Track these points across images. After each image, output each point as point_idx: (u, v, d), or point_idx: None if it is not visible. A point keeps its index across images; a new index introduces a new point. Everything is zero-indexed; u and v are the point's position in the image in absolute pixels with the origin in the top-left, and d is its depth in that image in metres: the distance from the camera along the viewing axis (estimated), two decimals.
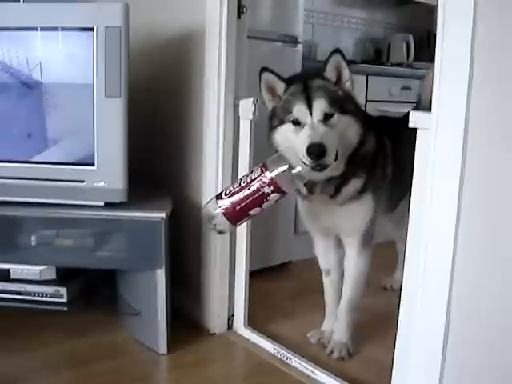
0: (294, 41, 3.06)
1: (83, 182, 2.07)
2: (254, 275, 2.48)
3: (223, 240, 2.30)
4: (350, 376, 2.02)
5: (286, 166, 1.72)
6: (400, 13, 4.84)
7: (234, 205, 1.75)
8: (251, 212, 1.77)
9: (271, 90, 1.98)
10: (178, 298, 2.38)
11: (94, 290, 2.40)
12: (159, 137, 2.63)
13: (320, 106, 1.84)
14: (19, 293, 2.22)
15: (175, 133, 2.52)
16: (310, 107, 1.84)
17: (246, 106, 2.21)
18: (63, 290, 2.22)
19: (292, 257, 3.23)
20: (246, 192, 1.74)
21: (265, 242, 2.91)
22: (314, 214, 2.15)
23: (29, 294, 2.23)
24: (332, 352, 2.19)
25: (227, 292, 2.40)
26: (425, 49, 4.64)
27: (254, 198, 1.73)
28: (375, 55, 4.66)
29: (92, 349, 2.20)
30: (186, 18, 2.40)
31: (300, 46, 3.09)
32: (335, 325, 2.25)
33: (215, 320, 2.39)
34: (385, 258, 2.77)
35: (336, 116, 1.86)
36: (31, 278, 2.23)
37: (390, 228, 2.84)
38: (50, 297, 2.23)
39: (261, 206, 1.76)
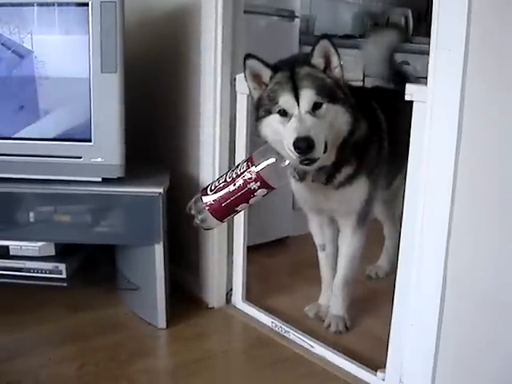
0: (291, 15, 3.03)
1: (80, 158, 2.07)
2: (251, 250, 2.49)
3: None
4: (347, 349, 2.04)
5: (273, 160, 1.67)
6: None
7: (219, 201, 1.70)
8: (238, 208, 1.72)
9: (257, 78, 1.88)
10: (177, 273, 2.40)
11: (93, 266, 2.42)
12: (157, 112, 2.63)
13: (307, 95, 1.75)
14: (19, 269, 2.24)
15: (173, 108, 2.51)
16: (297, 97, 1.75)
17: (243, 81, 2.20)
18: (62, 266, 2.23)
19: (290, 232, 3.24)
20: (231, 188, 1.68)
21: (262, 217, 2.91)
22: (307, 196, 2.10)
23: (28, 270, 2.24)
24: (329, 325, 2.21)
25: (225, 267, 2.42)
26: (423, 23, 4.61)
27: (239, 194, 1.67)
28: None
29: (92, 324, 2.22)
30: None
31: (297, 21, 3.07)
32: (331, 299, 2.27)
33: (214, 294, 2.41)
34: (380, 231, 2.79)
35: (325, 106, 1.76)
36: (30, 255, 2.24)
37: (380, 208, 2.72)
38: (49, 273, 2.24)
39: (248, 202, 1.70)
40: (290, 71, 1.81)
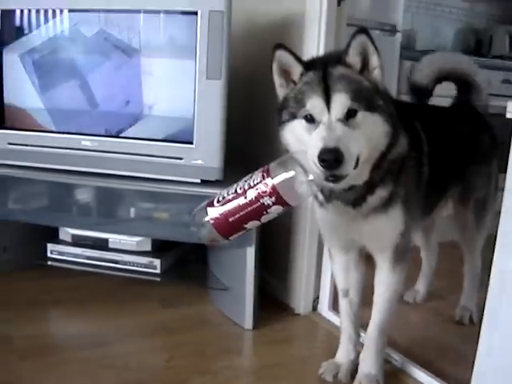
0: (392, 29, 3.04)
1: (182, 159, 2.15)
2: None
3: (314, 223, 2.30)
4: None
5: (293, 173, 1.39)
6: (504, 4, 4.70)
7: (226, 215, 1.43)
8: (247, 225, 1.45)
9: (285, 74, 1.62)
10: (265, 277, 2.45)
11: (186, 264, 2.51)
12: (256, 118, 2.69)
13: (341, 100, 1.45)
14: (116, 261, 2.37)
15: (270, 117, 2.56)
16: (328, 102, 1.46)
17: None
18: (157, 262, 2.35)
19: None
20: (241, 201, 1.42)
21: None
22: (333, 224, 1.80)
23: (125, 263, 2.37)
24: None
25: (314, 274, 2.43)
26: None
27: (250, 209, 1.41)
28: (476, 46, 4.54)
29: (181, 319, 2.30)
30: (286, 4, 2.43)
31: (399, 35, 3.08)
32: (362, 353, 1.90)
33: (300, 301, 2.44)
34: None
35: (360, 114, 1.46)
36: (128, 249, 2.37)
37: (418, 233, 2.49)
38: (144, 267, 2.35)
39: (259, 220, 1.44)
40: (322, 71, 1.52)
